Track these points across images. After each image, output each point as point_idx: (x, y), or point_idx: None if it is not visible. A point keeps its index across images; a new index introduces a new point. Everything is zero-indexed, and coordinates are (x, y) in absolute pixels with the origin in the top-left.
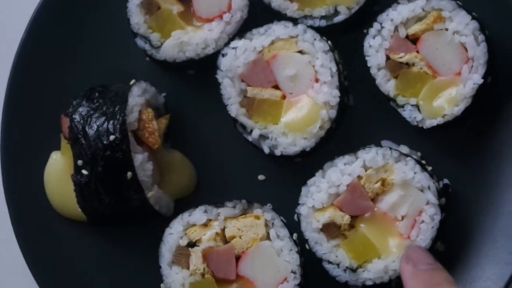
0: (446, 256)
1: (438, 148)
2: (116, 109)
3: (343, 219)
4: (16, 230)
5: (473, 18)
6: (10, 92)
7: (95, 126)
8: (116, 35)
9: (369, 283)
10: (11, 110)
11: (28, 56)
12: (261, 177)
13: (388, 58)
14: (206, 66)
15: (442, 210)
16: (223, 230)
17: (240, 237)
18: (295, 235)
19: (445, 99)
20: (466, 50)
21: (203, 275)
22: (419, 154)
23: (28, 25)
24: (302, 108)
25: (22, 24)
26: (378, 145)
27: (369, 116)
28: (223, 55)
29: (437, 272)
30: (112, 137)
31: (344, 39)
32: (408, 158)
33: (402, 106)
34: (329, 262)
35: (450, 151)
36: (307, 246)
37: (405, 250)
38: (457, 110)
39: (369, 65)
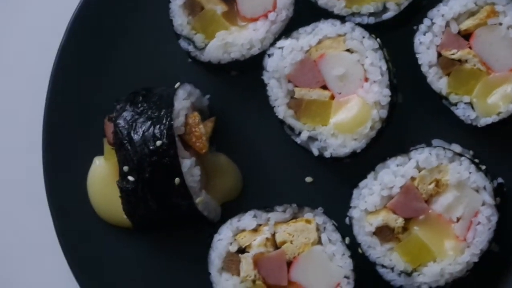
0: (501, 256)
1: (491, 146)
2: (162, 113)
3: (397, 222)
4: (60, 237)
5: None
6: (51, 96)
7: (140, 131)
8: (159, 37)
9: (424, 287)
10: (52, 115)
11: (69, 59)
12: (309, 179)
13: (439, 55)
14: (251, 67)
15: (497, 209)
16: (273, 235)
17: (291, 242)
18: (347, 239)
19: (500, 96)
20: None
21: (254, 281)
22: (471, 152)
23: (68, 28)
24: (352, 108)
25: (62, 27)
26: (429, 144)
27: (419, 115)
28: (269, 56)
29: None
30: (159, 143)
31: (393, 35)
32: (463, 158)
33: (455, 104)
34: (383, 266)
35: (503, 149)
36: (360, 250)
37: None
38: None
39: (420, 62)
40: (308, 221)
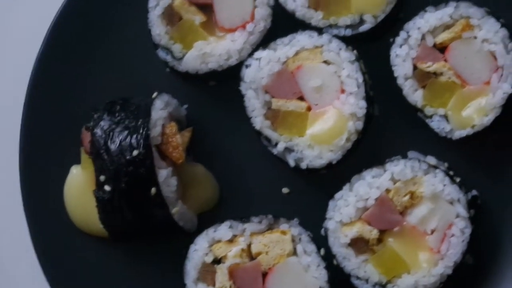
0: (476, 269)
1: (466, 158)
2: (139, 123)
3: (372, 233)
4: (36, 246)
5: (503, 25)
6: (29, 104)
7: (117, 141)
8: (137, 47)
9: None
10: (30, 124)
11: (47, 68)
12: (285, 190)
13: (415, 67)
14: (228, 77)
15: (471, 222)
16: (249, 246)
17: (266, 253)
18: (322, 250)
19: (474, 109)
20: (495, 58)
21: None
22: (446, 165)
23: (47, 37)
24: (328, 120)
25: (40, 36)
26: (404, 156)
27: (395, 127)
28: (246, 66)
29: None
30: (135, 152)
31: (370, 48)
32: (437, 170)
33: (430, 117)
34: (358, 278)
35: (477, 161)
36: (334, 262)
37: None
38: (487, 120)
39: (395, 74)
40: (283, 232)
